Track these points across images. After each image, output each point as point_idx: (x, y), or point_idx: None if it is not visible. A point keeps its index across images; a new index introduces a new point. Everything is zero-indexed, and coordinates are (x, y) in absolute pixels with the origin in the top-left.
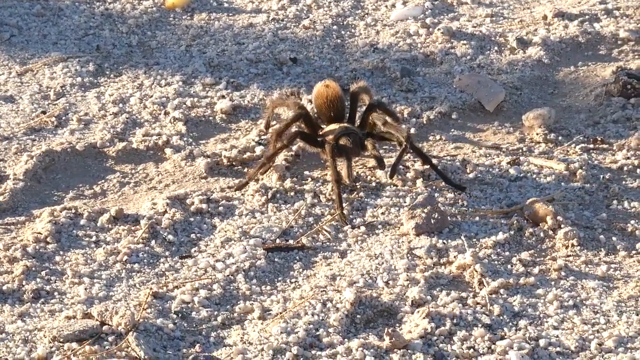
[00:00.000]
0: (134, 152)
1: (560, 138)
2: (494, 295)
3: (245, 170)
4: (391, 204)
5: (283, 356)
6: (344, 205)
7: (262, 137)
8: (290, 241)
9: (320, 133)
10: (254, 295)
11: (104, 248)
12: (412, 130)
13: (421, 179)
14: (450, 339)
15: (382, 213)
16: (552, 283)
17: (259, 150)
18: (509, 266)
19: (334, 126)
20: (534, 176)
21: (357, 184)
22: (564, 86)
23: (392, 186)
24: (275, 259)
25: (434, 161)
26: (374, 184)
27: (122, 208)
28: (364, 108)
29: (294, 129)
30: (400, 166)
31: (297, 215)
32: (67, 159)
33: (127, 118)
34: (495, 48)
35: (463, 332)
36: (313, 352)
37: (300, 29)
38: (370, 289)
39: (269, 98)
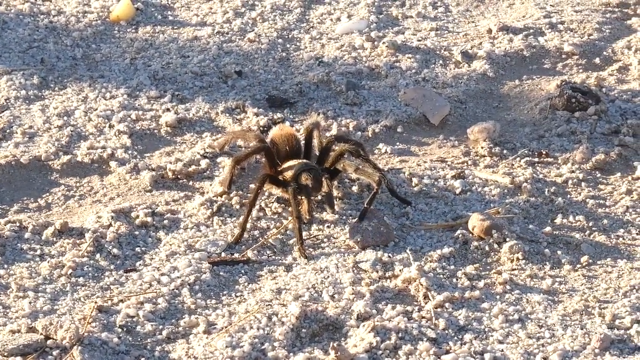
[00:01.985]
0: (78, 165)
1: (505, 152)
2: (439, 309)
3: (191, 184)
4: (337, 218)
5: None
6: (303, 236)
7: (207, 151)
8: (236, 255)
9: (279, 169)
10: (199, 309)
11: (48, 262)
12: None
13: (366, 192)
14: (396, 353)
15: (328, 227)
16: (497, 297)
17: (204, 163)
18: (454, 280)
19: (292, 162)
20: (479, 189)
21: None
22: (508, 100)
23: (337, 199)
24: (221, 273)
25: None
26: (319, 197)
27: (66, 221)
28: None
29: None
30: (346, 180)
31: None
32: (12, 172)
33: (71, 131)
34: (440, 62)
35: (408, 346)
36: None
37: (245, 42)
38: (316, 302)
39: (231, 128)
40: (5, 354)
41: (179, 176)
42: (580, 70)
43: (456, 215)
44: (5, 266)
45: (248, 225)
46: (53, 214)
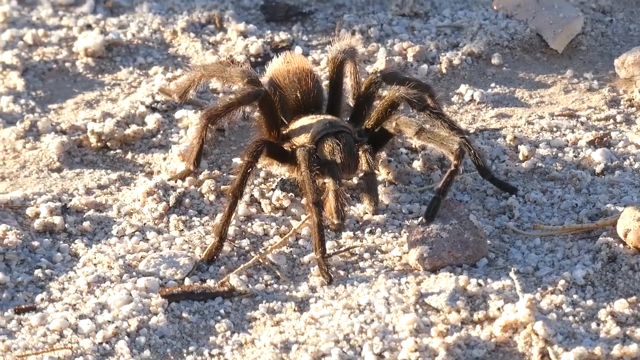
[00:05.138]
0: None
1: None
2: None
3: (131, 156)
4: (387, 217)
5: None
6: (326, 246)
7: (158, 100)
8: (210, 282)
9: (285, 132)
10: None
11: None
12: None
13: (438, 171)
14: None
15: (371, 232)
16: None
17: (152, 120)
18: (593, 325)
19: (307, 120)
20: (636, 166)
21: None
22: None
23: (387, 184)
24: (184, 314)
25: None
26: (355, 180)
27: None
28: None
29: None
30: (402, 150)
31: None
32: None
33: None
34: None
35: None
36: None
37: None
38: None
39: (200, 60)
40: None
41: (108, 144)
42: None
43: (596, 212)
44: None
45: (231, 230)
46: None
